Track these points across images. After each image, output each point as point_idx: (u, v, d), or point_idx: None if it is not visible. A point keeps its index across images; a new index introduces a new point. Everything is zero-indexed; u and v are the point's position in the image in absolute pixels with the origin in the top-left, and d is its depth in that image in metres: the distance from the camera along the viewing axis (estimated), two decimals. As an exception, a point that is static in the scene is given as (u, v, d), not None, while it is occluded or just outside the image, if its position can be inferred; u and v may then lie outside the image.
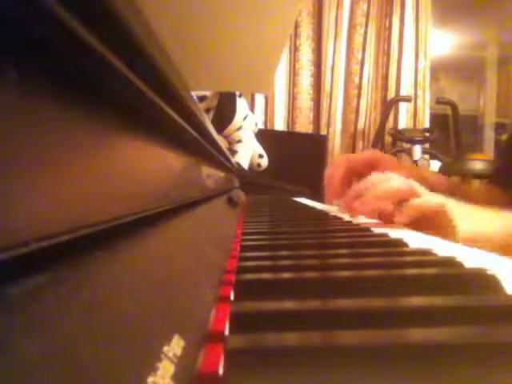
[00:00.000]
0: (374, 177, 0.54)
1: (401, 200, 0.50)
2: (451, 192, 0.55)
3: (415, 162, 2.43)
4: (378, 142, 2.55)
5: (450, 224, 0.47)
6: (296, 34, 2.55)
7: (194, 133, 0.32)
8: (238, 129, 1.81)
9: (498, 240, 0.45)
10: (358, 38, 2.61)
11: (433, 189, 0.55)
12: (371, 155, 0.69)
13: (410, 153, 2.49)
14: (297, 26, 2.54)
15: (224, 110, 1.70)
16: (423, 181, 0.56)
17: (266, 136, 2.14)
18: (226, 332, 0.17)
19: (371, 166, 0.65)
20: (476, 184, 2.49)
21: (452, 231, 0.47)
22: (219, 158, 0.60)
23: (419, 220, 0.49)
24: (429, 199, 0.49)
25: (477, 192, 0.88)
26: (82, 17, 0.11)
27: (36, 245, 0.09)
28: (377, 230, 0.44)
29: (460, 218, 0.47)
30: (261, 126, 2.37)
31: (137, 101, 0.18)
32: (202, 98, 1.47)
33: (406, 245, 0.35)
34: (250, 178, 1.63)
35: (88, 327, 0.10)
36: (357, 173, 0.66)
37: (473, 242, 0.43)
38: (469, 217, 0.49)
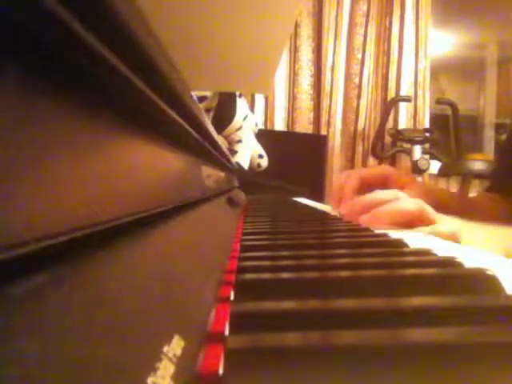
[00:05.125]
0: (383, 193, 0.54)
1: (411, 222, 0.50)
2: (462, 208, 0.55)
3: (415, 162, 2.43)
4: (377, 142, 2.55)
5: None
6: (296, 34, 2.55)
7: (194, 133, 0.32)
8: (238, 129, 1.81)
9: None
10: (358, 38, 2.61)
11: (444, 206, 0.55)
12: (385, 170, 0.69)
13: (410, 153, 2.49)
14: (297, 26, 2.54)
15: (224, 110, 1.70)
16: (433, 199, 0.56)
17: (265, 136, 2.14)
18: (226, 332, 0.17)
19: (383, 181, 0.65)
20: (476, 184, 2.49)
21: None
22: (219, 158, 0.60)
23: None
24: (438, 227, 0.49)
25: (477, 199, 0.88)
26: (82, 17, 0.11)
27: (36, 245, 0.09)
28: (377, 230, 0.44)
29: (471, 240, 0.47)
30: (261, 126, 2.37)
31: (137, 101, 0.18)
32: (201, 98, 1.47)
33: (405, 245, 0.35)
34: (249, 178, 1.63)
35: (88, 327, 0.10)
36: (368, 185, 0.66)
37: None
38: (472, 237, 0.49)
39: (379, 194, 0.54)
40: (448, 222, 0.51)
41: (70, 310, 0.10)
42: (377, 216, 0.51)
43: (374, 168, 0.69)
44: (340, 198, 0.69)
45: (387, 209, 0.51)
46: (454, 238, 0.47)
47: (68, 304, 0.10)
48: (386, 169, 0.71)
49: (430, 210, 0.51)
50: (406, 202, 0.52)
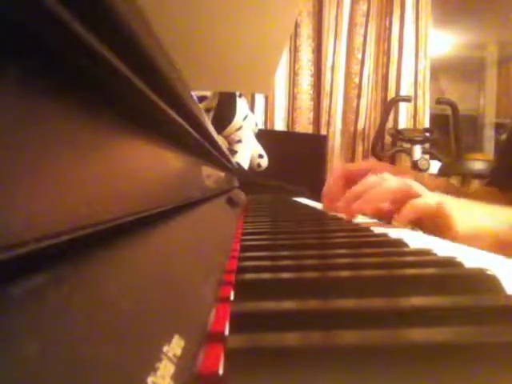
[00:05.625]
0: (371, 179, 0.56)
1: (400, 199, 0.51)
2: (448, 194, 0.57)
3: (415, 162, 2.43)
4: (377, 142, 2.55)
5: (450, 223, 0.48)
6: (296, 34, 2.55)
7: (194, 133, 0.32)
8: (238, 129, 1.81)
9: (497, 236, 0.46)
10: (358, 38, 2.61)
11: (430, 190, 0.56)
12: (368, 165, 0.70)
13: (410, 153, 2.49)
14: (297, 26, 2.54)
15: (224, 110, 1.70)
16: (420, 183, 0.58)
17: (265, 136, 2.14)
18: (226, 332, 0.17)
19: (368, 174, 0.67)
20: (476, 184, 2.49)
21: (451, 230, 0.47)
22: (219, 158, 0.60)
23: (419, 219, 0.49)
24: (427, 199, 0.50)
25: (475, 194, 0.89)
26: (82, 17, 0.11)
27: (36, 245, 0.09)
28: (377, 230, 0.44)
29: (459, 214, 0.48)
30: (261, 126, 2.37)
31: (137, 101, 0.18)
32: (201, 98, 1.47)
33: (405, 245, 0.35)
34: (250, 178, 1.63)
35: (88, 327, 0.10)
36: (353, 181, 0.67)
37: (472, 237, 0.43)
38: (468, 212, 0.49)
39: (367, 181, 0.56)
40: (436, 197, 0.51)
41: (69, 310, 0.10)
42: (368, 199, 0.52)
43: (357, 164, 0.70)
44: (330, 198, 0.71)
45: (376, 190, 0.52)
46: (441, 210, 0.48)
47: (68, 304, 0.10)
48: (368, 163, 0.72)
49: (417, 187, 0.52)
50: (392, 181, 0.53)
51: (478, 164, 2.42)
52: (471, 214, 0.49)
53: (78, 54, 0.12)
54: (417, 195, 0.51)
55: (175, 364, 0.12)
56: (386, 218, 0.53)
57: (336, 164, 2.57)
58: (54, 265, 0.10)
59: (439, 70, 3.19)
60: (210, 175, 0.51)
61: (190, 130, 0.31)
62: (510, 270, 0.26)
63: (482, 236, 0.46)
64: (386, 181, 0.53)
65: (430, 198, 0.51)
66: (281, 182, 1.75)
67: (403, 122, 2.65)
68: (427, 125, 2.67)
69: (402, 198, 0.51)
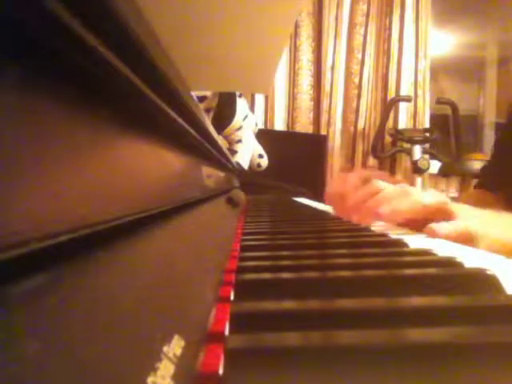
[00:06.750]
0: (397, 189, 0.50)
1: (433, 214, 0.47)
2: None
3: (415, 162, 2.43)
4: (377, 142, 2.55)
5: (474, 242, 0.44)
6: (296, 34, 2.55)
7: (194, 133, 0.32)
8: (238, 129, 1.81)
9: None
10: (358, 38, 2.61)
11: None
12: (361, 179, 0.64)
13: (410, 153, 2.49)
14: (297, 26, 2.54)
15: (224, 110, 1.70)
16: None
17: (265, 136, 2.14)
18: (226, 332, 0.17)
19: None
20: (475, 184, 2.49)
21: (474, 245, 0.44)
22: (219, 158, 0.60)
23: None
24: (458, 223, 0.45)
25: (467, 197, 0.88)
26: (82, 17, 0.11)
27: (36, 245, 0.09)
28: (377, 230, 0.44)
29: (482, 225, 0.44)
30: (261, 126, 2.37)
31: (137, 101, 0.18)
32: (201, 98, 1.48)
33: (405, 245, 0.35)
34: (249, 178, 1.63)
35: (88, 327, 0.10)
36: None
37: (498, 250, 0.40)
38: (490, 224, 0.46)
39: (392, 191, 0.49)
40: (468, 218, 0.47)
41: (69, 309, 0.10)
42: (399, 210, 0.46)
43: (352, 179, 0.61)
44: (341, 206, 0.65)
45: (408, 202, 0.47)
46: (467, 237, 0.44)
47: (68, 304, 0.10)
48: (363, 176, 0.66)
49: (452, 205, 0.48)
50: (427, 195, 0.48)
51: (477, 164, 2.42)
52: (494, 224, 0.46)
53: (78, 54, 0.12)
54: (451, 213, 0.47)
55: (175, 364, 0.12)
56: (415, 228, 0.48)
57: (336, 162, 2.56)
58: (54, 265, 0.10)
59: (439, 70, 3.19)
60: (210, 175, 0.51)
61: (190, 129, 0.31)
62: (509, 269, 0.26)
63: (508, 248, 0.42)
64: (416, 194, 0.48)
65: (463, 219, 0.46)
66: (281, 182, 1.75)
67: (403, 122, 2.65)
68: (427, 125, 2.66)
69: (435, 216, 0.46)
